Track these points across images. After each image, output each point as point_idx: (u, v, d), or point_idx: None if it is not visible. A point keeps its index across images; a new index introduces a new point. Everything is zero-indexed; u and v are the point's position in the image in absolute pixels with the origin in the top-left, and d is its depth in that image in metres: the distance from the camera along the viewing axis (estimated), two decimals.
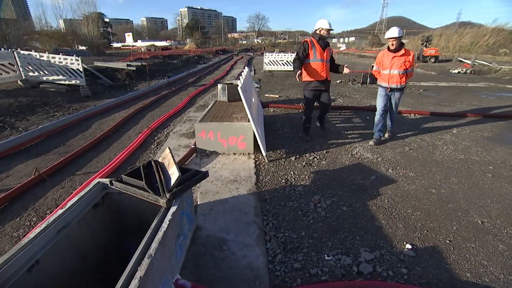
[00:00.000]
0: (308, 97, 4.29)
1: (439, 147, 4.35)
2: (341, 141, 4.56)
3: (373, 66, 4.65)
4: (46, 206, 2.81)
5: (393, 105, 4.40)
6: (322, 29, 3.99)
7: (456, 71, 16.18)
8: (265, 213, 2.63)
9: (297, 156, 3.90)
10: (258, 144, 3.62)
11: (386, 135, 4.64)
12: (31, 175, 3.26)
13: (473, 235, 2.35)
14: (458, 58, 21.33)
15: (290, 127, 5.21)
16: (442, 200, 2.88)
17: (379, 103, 4.39)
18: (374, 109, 4.72)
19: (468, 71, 15.84)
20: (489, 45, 28.32)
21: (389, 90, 4.24)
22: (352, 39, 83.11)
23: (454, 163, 3.78)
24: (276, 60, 15.44)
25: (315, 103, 4.43)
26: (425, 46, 22.78)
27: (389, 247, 2.20)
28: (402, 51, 4.02)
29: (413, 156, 3.99)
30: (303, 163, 3.68)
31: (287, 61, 15.33)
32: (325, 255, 2.10)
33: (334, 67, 4.37)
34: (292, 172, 3.43)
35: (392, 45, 4.02)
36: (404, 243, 2.24)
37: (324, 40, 4.06)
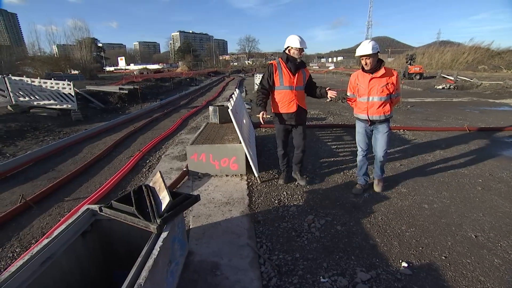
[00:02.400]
0: (278, 131, 3.46)
1: (429, 161, 4.42)
2: (332, 159, 4.60)
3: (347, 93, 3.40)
4: (31, 235, 2.71)
5: (379, 145, 3.22)
6: (292, 48, 3.12)
7: (440, 86, 16.82)
8: (258, 235, 2.59)
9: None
10: (250, 165, 3.62)
11: (377, 189, 3.43)
12: (17, 202, 3.17)
13: (468, 250, 2.35)
14: (442, 75, 22.29)
15: None
16: (435, 215, 2.89)
17: (360, 143, 3.34)
18: None
19: (452, 86, 16.49)
20: (468, 62, 29.86)
21: (369, 123, 3.18)
22: (340, 58, 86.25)
23: (444, 177, 3.84)
24: None
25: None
26: (410, 64, 23.85)
27: (385, 266, 2.17)
28: (382, 71, 2.95)
29: (404, 172, 4.03)
30: (296, 183, 3.67)
31: None
32: (321, 277, 2.05)
33: (313, 92, 3.43)
34: (285, 192, 3.42)
35: (366, 64, 2.97)
36: (400, 261, 2.22)
37: (294, 62, 3.15)
